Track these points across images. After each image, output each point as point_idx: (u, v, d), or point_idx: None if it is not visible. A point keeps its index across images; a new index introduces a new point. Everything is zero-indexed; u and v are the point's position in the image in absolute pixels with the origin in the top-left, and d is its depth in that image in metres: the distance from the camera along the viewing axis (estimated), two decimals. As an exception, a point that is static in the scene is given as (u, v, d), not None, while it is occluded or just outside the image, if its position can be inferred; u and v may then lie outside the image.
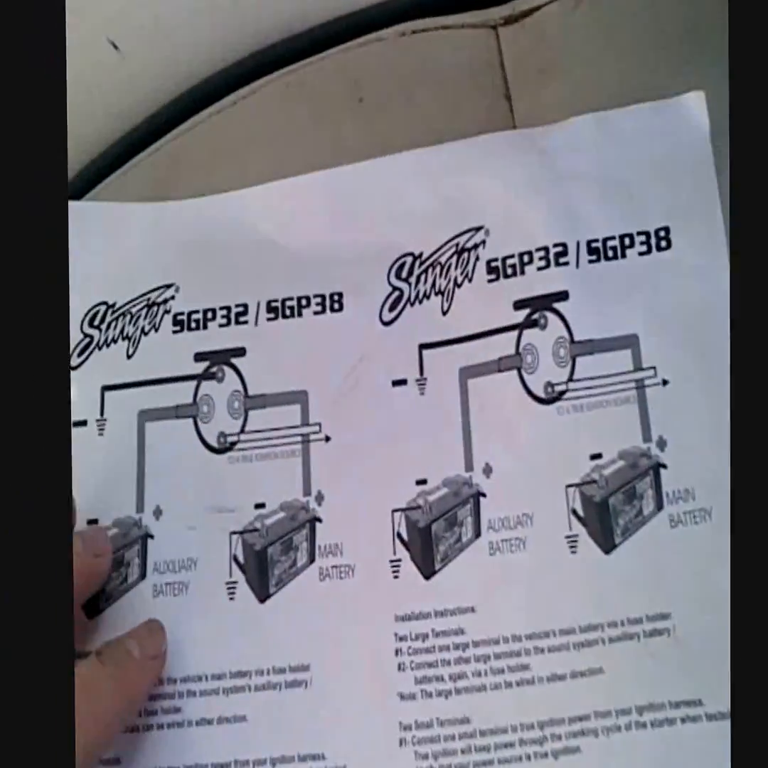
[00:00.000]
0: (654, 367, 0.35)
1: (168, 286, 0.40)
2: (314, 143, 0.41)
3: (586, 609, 0.33)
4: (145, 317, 0.39)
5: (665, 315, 0.35)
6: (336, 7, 0.43)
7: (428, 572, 0.35)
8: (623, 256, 0.36)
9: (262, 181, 0.40)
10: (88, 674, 0.32)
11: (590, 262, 0.37)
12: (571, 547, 0.34)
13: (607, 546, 0.34)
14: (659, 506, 0.34)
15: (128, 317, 0.39)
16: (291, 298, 0.39)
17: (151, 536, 0.37)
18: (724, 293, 0.34)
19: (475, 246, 0.38)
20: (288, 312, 0.39)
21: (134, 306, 0.40)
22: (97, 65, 0.43)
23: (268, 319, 0.39)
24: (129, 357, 0.39)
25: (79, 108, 0.37)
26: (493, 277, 0.37)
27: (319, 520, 0.36)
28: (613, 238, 0.37)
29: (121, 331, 0.39)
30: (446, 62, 0.41)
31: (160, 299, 0.39)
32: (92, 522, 0.37)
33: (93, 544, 0.36)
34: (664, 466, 0.34)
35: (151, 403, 0.38)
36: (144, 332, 0.39)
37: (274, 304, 0.39)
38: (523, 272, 0.37)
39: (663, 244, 0.36)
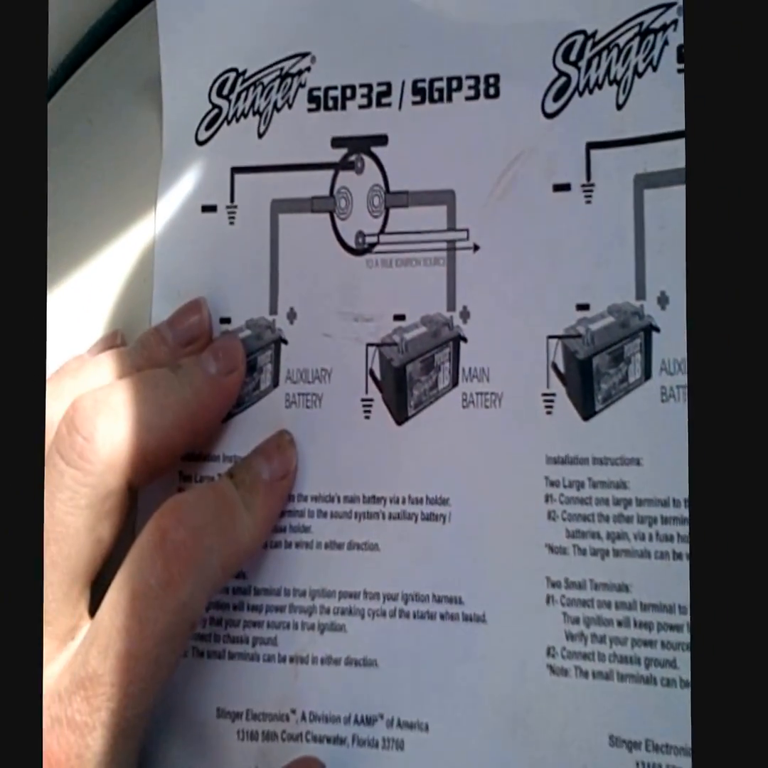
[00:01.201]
0: None
1: (303, 55, 0.36)
2: None
3: None
4: (278, 90, 0.36)
5: None
6: None
7: (587, 412, 0.32)
8: None
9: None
10: (227, 495, 0.32)
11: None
12: None
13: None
14: None
15: (260, 88, 0.36)
16: (440, 79, 0.34)
17: (285, 341, 0.35)
18: None
19: (664, 27, 0.32)
20: (436, 95, 0.34)
21: (266, 76, 0.36)
22: None
23: (414, 103, 0.34)
24: (260, 136, 0.36)
25: None
26: (684, 66, 0.32)
27: (464, 340, 0.33)
28: None
29: (252, 105, 0.36)
30: None
31: (294, 70, 0.36)
32: (225, 321, 0.35)
33: (226, 359, 0.34)
34: None
35: (284, 192, 0.35)
36: (277, 108, 0.36)
37: (420, 85, 0.34)
38: (724, 63, 0.31)
39: None
